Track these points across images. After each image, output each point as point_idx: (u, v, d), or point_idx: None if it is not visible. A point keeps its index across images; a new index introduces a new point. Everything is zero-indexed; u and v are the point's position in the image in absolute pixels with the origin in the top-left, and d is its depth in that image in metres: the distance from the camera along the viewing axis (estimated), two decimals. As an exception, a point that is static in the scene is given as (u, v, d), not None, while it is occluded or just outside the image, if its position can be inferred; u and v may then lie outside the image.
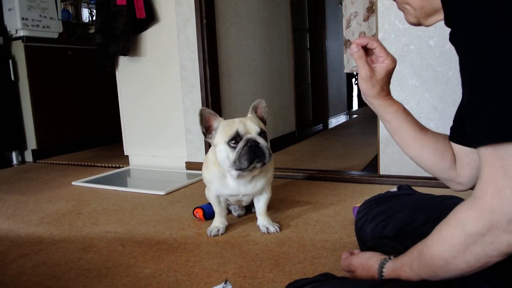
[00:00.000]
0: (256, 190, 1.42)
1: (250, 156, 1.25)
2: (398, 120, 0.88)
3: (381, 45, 0.83)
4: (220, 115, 1.35)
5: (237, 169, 1.29)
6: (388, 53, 0.83)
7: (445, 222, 0.61)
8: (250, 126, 1.29)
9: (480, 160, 0.55)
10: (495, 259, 0.56)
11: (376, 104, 0.88)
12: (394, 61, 0.84)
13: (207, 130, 1.33)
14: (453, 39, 0.59)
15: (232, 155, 1.27)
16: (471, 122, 0.56)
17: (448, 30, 0.62)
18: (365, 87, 0.85)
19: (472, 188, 0.80)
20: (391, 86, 0.88)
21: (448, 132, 0.87)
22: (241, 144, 1.26)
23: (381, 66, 0.84)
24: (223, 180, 1.38)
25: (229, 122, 1.32)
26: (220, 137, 1.30)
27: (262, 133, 1.30)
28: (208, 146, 2.47)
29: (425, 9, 0.71)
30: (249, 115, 1.38)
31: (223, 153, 1.29)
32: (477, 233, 0.55)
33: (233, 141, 1.27)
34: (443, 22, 0.68)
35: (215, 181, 1.40)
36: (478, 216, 0.54)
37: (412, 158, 0.91)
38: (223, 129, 1.30)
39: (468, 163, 0.83)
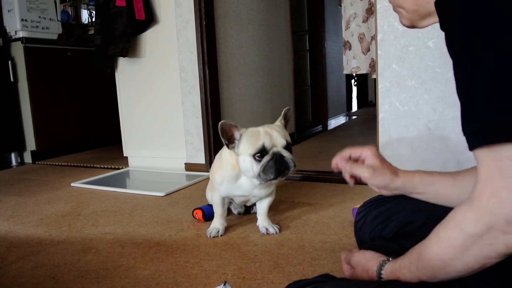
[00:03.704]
0: (268, 192, 1.44)
1: (276, 169, 1.26)
2: (428, 184, 0.89)
3: (350, 149, 0.97)
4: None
5: (262, 181, 1.30)
6: (360, 148, 0.95)
7: (443, 223, 0.61)
8: (276, 139, 1.28)
9: (476, 162, 0.55)
10: (494, 260, 0.56)
11: (400, 184, 0.91)
12: (369, 148, 0.95)
13: (229, 140, 1.32)
14: (447, 43, 0.59)
15: (257, 167, 1.27)
16: (466, 123, 0.56)
17: (447, 31, 0.62)
18: (378, 181, 0.91)
19: None
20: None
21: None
22: (267, 157, 1.26)
23: (367, 157, 0.94)
24: (236, 182, 1.38)
25: (254, 132, 1.30)
26: (245, 148, 1.29)
27: (287, 145, 1.30)
28: (212, 148, 2.47)
29: (419, 12, 0.71)
30: (277, 122, 1.38)
31: (247, 164, 1.29)
32: (475, 234, 0.55)
33: (258, 154, 1.27)
34: None
35: (227, 183, 1.39)
36: (476, 218, 0.54)
37: None
38: (248, 139, 1.29)
39: None
